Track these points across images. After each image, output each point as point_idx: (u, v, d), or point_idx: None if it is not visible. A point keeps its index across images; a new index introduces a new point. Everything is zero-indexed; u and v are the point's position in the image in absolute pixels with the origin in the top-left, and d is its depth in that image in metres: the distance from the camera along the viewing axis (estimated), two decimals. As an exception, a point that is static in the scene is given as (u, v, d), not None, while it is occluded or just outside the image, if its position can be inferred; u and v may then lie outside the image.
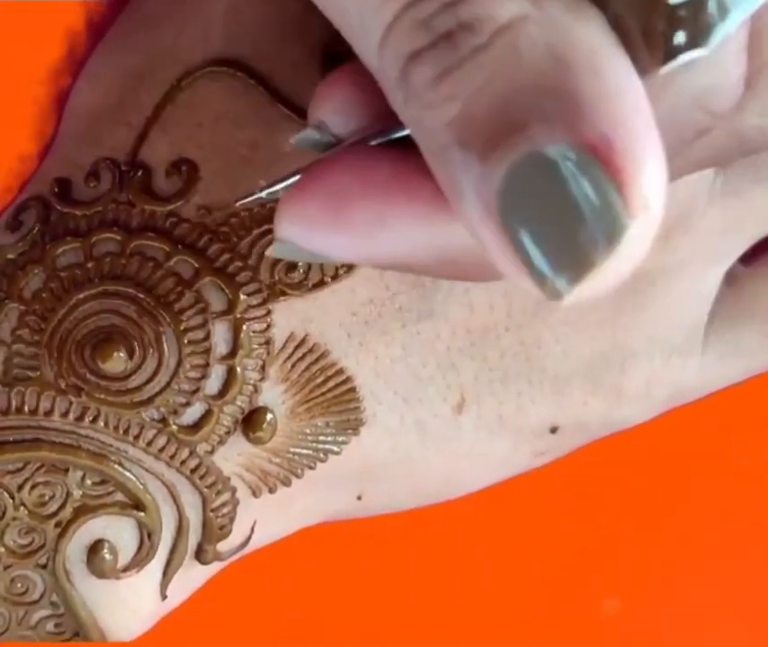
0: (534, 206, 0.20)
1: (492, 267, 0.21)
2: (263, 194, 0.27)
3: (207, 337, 0.30)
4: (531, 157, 0.20)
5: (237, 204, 0.28)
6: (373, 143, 0.24)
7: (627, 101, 0.20)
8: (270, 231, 0.30)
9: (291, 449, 0.31)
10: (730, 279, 0.33)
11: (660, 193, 0.20)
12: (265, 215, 0.30)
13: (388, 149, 0.24)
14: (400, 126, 0.24)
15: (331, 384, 0.31)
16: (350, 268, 0.30)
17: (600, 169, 0.20)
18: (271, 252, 0.26)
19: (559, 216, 0.20)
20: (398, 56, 0.22)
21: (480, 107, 0.21)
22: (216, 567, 0.33)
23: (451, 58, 0.21)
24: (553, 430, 0.33)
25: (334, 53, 0.30)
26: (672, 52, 0.21)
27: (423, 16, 0.21)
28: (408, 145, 0.23)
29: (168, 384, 0.30)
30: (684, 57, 0.21)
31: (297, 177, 0.25)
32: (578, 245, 0.20)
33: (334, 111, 0.25)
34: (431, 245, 0.24)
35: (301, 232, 0.24)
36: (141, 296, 0.30)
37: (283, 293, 0.30)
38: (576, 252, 0.20)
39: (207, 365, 0.30)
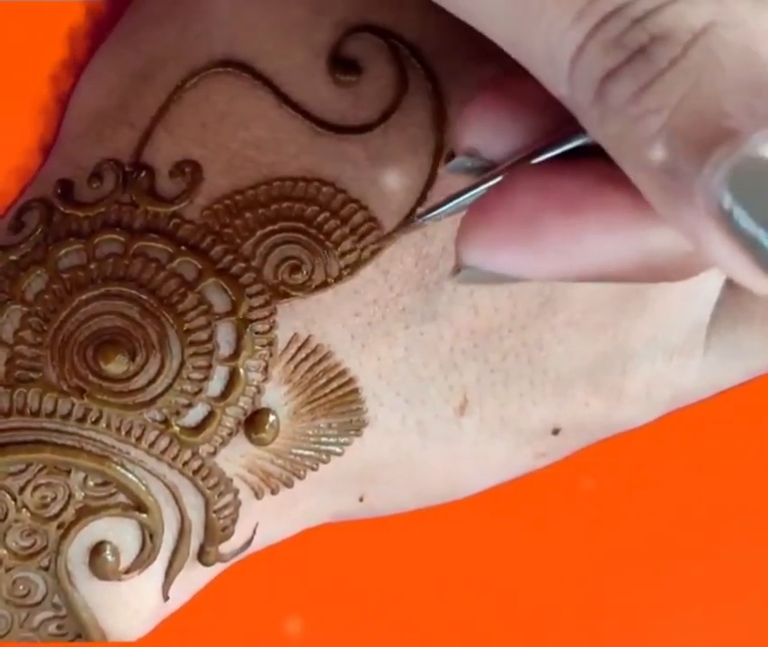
0: (756, 206, 0.21)
1: (696, 265, 0.22)
2: (420, 221, 0.27)
3: (210, 338, 0.30)
4: (748, 161, 0.20)
5: (396, 234, 0.29)
6: (539, 159, 0.25)
7: None
8: (273, 232, 0.30)
9: (294, 451, 0.31)
10: (731, 279, 0.33)
11: None
12: (269, 216, 0.30)
13: (568, 165, 0.24)
14: (562, 141, 0.24)
15: (334, 385, 0.31)
16: (353, 269, 0.30)
17: None
18: (456, 282, 0.25)
19: None
20: (592, 76, 0.22)
21: (688, 115, 0.21)
22: (218, 568, 0.33)
23: (650, 71, 0.21)
24: (555, 432, 0.33)
25: (341, 56, 0.30)
26: None
27: (614, 35, 0.22)
28: (579, 159, 0.23)
29: (171, 385, 0.30)
30: None
31: (455, 201, 0.26)
32: None
33: (486, 135, 0.25)
34: (629, 254, 0.24)
35: (489, 256, 0.24)
36: (144, 297, 0.30)
37: (287, 294, 0.30)
38: None
39: (209, 366, 0.30)
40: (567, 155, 0.24)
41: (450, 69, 0.30)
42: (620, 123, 0.22)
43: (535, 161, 0.25)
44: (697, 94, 0.21)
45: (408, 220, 0.28)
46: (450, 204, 0.26)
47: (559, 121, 0.24)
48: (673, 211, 0.22)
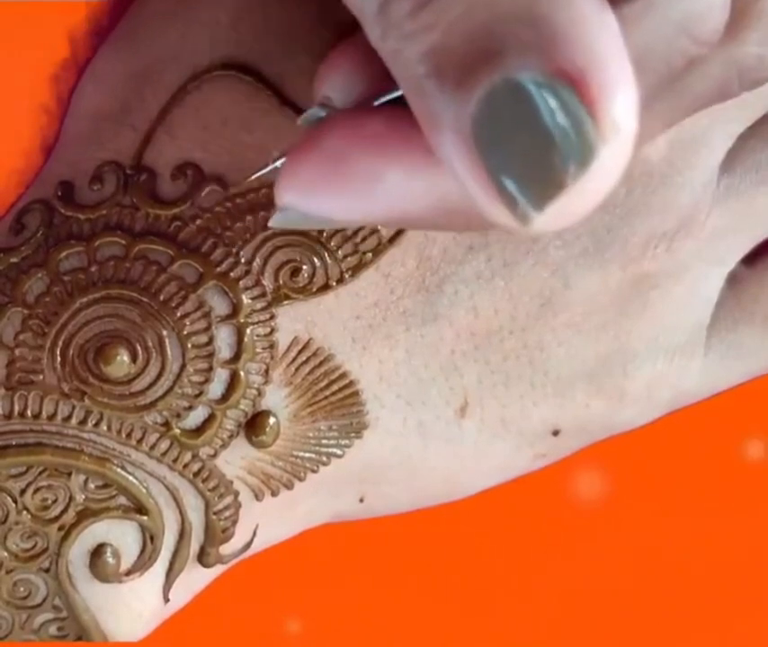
0: (507, 132, 0.21)
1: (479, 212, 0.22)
2: (278, 164, 0.27)
3: (210, 341, 0.30)
4: (505, 84, 0.20)
5: (252, 177, 0.28)
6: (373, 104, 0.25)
7: (598, 30, 0.21)
8: (274, 235, 0.30)
9: (294, 453, 0.31)
10: (732, 280, 0.33)
11: (631, 118, 0.21)
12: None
13: (382, 108, 0.24)
14: (393, 88, 0.24)
15: (334, 387, 0.31)
16: (355, 272, 0.30)
17: (572, 94, 0.20)
18: (272, 223, 0.26)
19: (531, 141, 0.21)
20: None
21: (458, 36, 0.21)
22: (218, 570, 0.33)
23: None
24: (555, 433, 0.33)
25: None
26: None
27: None
28: (404, 104, 0.23)
29: (171, 388, 0.30)
30: None
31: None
32: (549, 168, 0.21)
33: (336, 86, 0.25)
34: (428, 196, 0.24)
35: (300, 197, 0.24)
36: (145, 300, 0.30)
37: (287, 297, 0.30)
38: (545, 175, 0.21)
39: (210, 369, 0.30)
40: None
41: None
42: (398, 39, 0.22)
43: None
44: (469, 16, 0.21)
45: (263, 165, 0.27)
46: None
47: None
48: (434, 135, 0.22)
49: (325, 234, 0.30)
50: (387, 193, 0.24)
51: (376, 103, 0.25)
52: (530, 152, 0.21)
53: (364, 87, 0.25)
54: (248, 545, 0.32)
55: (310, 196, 0.24)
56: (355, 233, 0.30)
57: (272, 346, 0.30)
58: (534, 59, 0.20)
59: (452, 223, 0.25)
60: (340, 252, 0.30)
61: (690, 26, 0.23)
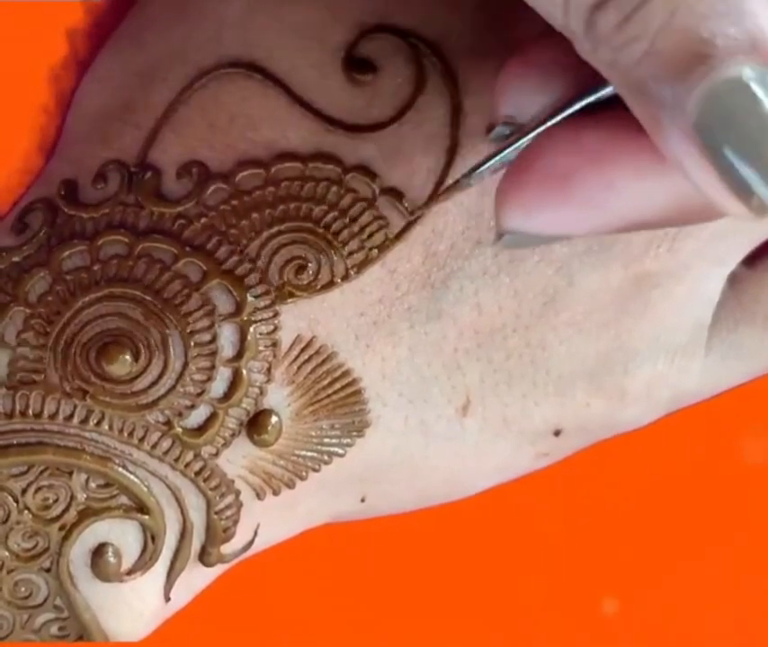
0: (732, 126, 0.22)
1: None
2: (462, 183, 0.28)
3: (213, 339, 0.30)
4: (723, 82, 0.22)
5: (440, 195, 0.29)
6: (565, 114, 0.25)
7: None
8: (280, 232, 0.30)
9: (296, 452, 0.31)
10: (733, 280, 0.33)
11: None
12: (277, 216, 0.30)
13: (589, 117, 0.25)
14: (584, 94, 0.25)
15: (337, 386, 0.31)
16: (360, 268, 0.30)
17: None
18: (500, 247, 0.26)
19: (758, 131, 0.22)
20: (583, 8, 0.23)
21: (666, 42, 0.22)
22: (219, 569, 0.33)
23: (633, 1, 0.22)
24: (557, 433, 0.33)
25: (356, 55, 0.30)
26: None
27: None
28: (608, 108, 0.24)
29: (173, 386, 0.30)
30: None
31: (490, 162, 0.26)
32: None
33: (515, 103, 0.26)
34: (661, 196, 0.24)
35: (529, 218, 0.25)
36: (148, 298, 0.30)
37: (291, 295, 0.30)
38: None
39: (212, 367, 0.30)
40: (595, 108, 0.25)
41: (470, 67, 0.30)
42: (610, 51, 0.23)
43: (562, 116, 0.25)
44: (676, 21, 0.22)
45: (454, 183, 0.28)
46: (491, 162, 0.27)
47: (584, 78, 0.25)
48: (660, 137, 0.23)
49: (332, 231, 0.30)
50: (620, 200, 0.24)
51: (566, 113, 0.25)
52: (758, 142, 0.22)
53: (545, 100, 0.26)
54: (249, 545, 0.32)
55: (538, 216, 0.25)
56: (362, 229, 0.30)
57: (274, 344, 0.30)
58: (745, 53, 0.21)
59: (688, 218, 0.25)
60: (346, 248, 0.30)
61: None
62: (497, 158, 0.27)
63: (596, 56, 0.23)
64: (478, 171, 0.27)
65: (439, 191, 0.29)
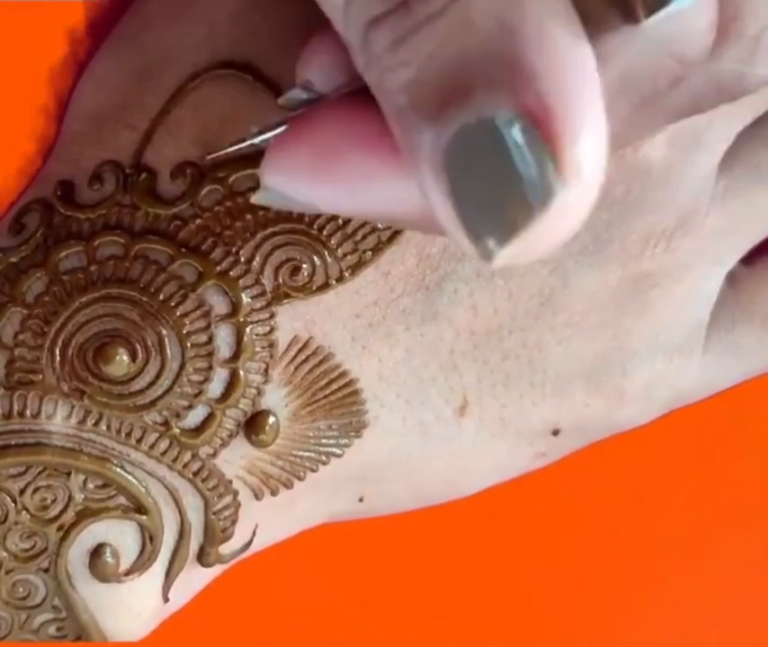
0: (476, 168, 0.21)
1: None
2: (257, 140, 0.26)
3: (210, 340, 0.30)
4: (475, 121, 0.21)
5: (230, 149, 0.28)
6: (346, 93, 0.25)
7: (570, 71, 0.21)
8: (274, 234, 0.30)
9: (294, 452, 0.31)
10: (731, 279, 0.33)
11: (596, 163, 0.21)
12: (271, 218, 0.30)
13: (372, 104, 0.24)
14: None
15: (334, 386, 0.31)
16: (354, 270, 0.30)
17: (537, 135, 0.21)
18: (255, 200, 0.26)
19: (497, 178, 0.21)
20: (360, 21, 0.22)
21: (431, 72, 0.21)
22: (218, 570, 0.33)
23: (407, 25, 0.22)
24: (554, 433, 0.33)
25: None
26: (654, 6, 0.22)
27: None
28: None
29: (171, 387, 0.30)
30: (669, 9, 0.22)
31: (282, 128, 0.26)
32: (510, 206, 0.21)
33: (319, 69, 0.25)
34: (411, 203, 0.24)
35: (287, 181, 0.25)
36: (144, 299, 0.30)
37: (287, 296, 0.30)
38: (506, 213, 0.21)
39: (210, 368, 0.30)
40: None
41: None
42: (379, 71, 0.22)
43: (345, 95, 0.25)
44: (442, 53, 0.21)
45: (241, 138, 0.27)
46: (282, 128, 0.26)
47: None
48: (413, 163, 0.22)
49: (325, 233, 0.30)
50: (376, 192, 0.24)
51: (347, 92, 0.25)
52: (496, 188, 0.21)
53: (348, 77, 0.25)
54: (248, 545, 0.32)
55: (298, 182, 0.25)
56: (355, 231, 0.30)
57: (271, 345, 0.30)
58: (502, 97, 0.21)
59: (431, 230, 0.25)
60: (340, 250, 0.30)
61: (677, 49, 0.23)
62: (285, 126, 0.26)
63: (367, 72, 0.23)
64: (269, 134, 0.26)
65: (228, 146, 0.28)
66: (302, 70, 0.26)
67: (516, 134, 0.21)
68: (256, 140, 0.26)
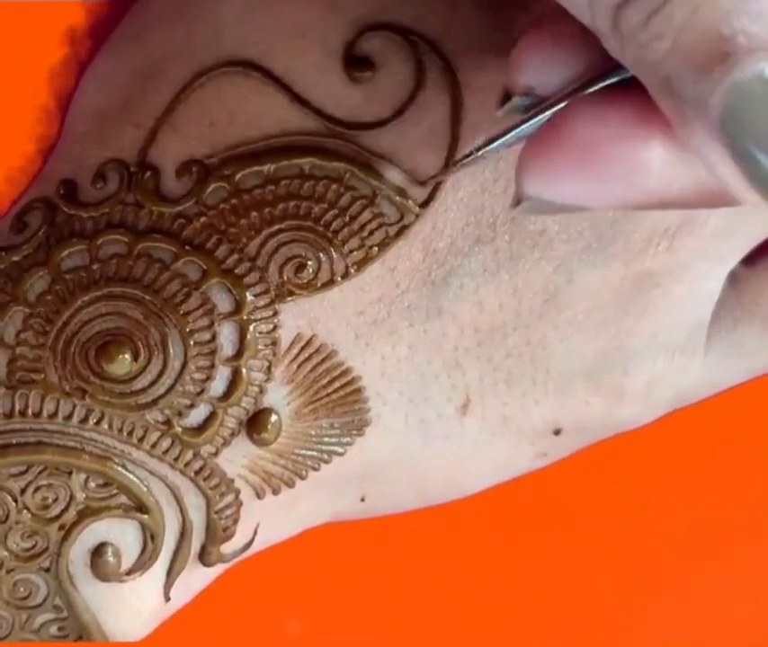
0: (752, 122, 0.22)
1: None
2: (480, 153, 0.27)
3: (213, 339, 0.30)
4: (742, 79, 0.22)
5: (453, 169, 0.29)
6: (590, 91, 0.25)
7: None
8: (280, 231, 0.30)
9: (296, 451, 0.31)
10: (732, 279, 0.33)
11: None
12: (276, 215, 0.30)
13: (617, 94, 0.25)
14: (609, 73, 0.25)
15: (336, 385, 0.31)
16: (360, 266, 0.30)
17: None
18: (517, 212, 0.26)
19: None
20: (608, 6, 0.23)
21: (689, 39, 0.22)
22: (219, 569, 0.33)
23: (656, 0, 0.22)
24: (556, 432, 0.33)
25: (356, 53, 0.30)
26: None
27: None
28: (630, 88, 0.24)
29: (173, 386, 0.30)
30: None
31: (513, 132, 0.26)
32: None
33: (537, 73, 0.26)
34: (685, 179, 0.24)
35: (550, 186, 0.25)
36: (147, 297, 0.30)
37: (291, 293, 0.30)
38: None
39: (212, 366, 0.30)
40: (616, 86, 0.25)
41: (470, 63, 0.30)
42: (635, 49, 0.23)
43: (588, 91, 0.25)
44: (698, 18, 0.22)
45: (468, 154, 0.28)
46: (511, 134, 0.26)
47: (606, 55, 0.25)
48: (684, 131, 0.23)
49: (332, 229, 0.30)
50: (643, 178, 0.24)
51: (592, 90, 0.25)
52: None
53: (571, 75, 0.26)
54: (249, 544, 0.32)
55: (561, 184, 0.25)
56: (362, 227, 0.30)
57: (274, 343, 0.30)
58: (766, 50, 0.21)
59: (706, 203, 0.25)
60: (346, 246, 0.30)
61: None
62: (517, 131, 0.26)
63: (623, 53, 0.23)
64: (495, 143, 0.27)
65: (454, 161, 0.29)
66: (519, 76, 0.26)
67: None
68: (487, 149, 0.27)
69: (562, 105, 0.25)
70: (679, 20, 0.22)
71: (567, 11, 0.24)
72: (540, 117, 0.26)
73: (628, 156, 0.24)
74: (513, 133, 0.26)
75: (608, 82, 0.25)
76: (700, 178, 0.24)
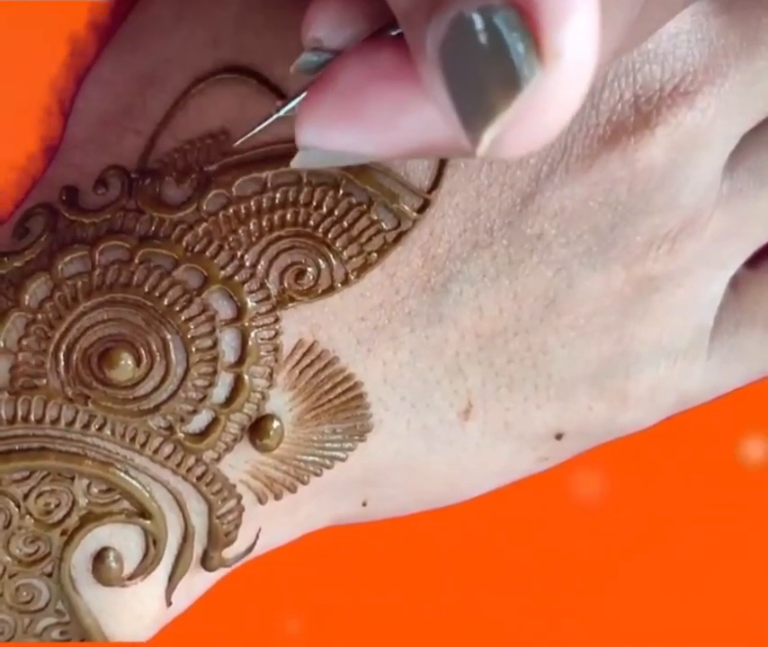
0: (468, 58, 0.21)
1: None
2: (281, 113, 0.27)
3: (214, 345, 0.30)
4: (466, 12, 0.21)
5: (257, 128, 0.28)
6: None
7: None
8: (279, 238, 0.30)
9: (298, 456, 0.31)
10: (734, 283, 0.33)
11: (579, 51, 0.21)
12: (275, 222, 0.30)
13: (390, 41, 0.24)
14: (392, 25, 0.24)
15: (338, 390, 0.31)
16: (360, 273, 0.30)
17: (519, 22, 0.20)
18: (294, 164, 0.26)
19: (485, 66, 0.21)
20: None
21: None
22: (220, 573, 0.33)
23: None
24: (558, 436, 0.33)
25: None
26: None
27: None
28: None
29: (175, 392, 0.30)
30: None
31: (301, 97, 0.25)
32: (491, 90, 0.21)
33: (327, 26, 0.25)
34: (439, 125, 0.23)
35: (320, 132, 0.24)
36: (149, 304, 0.30)
37: (292, 300, 0.30)
38: (488, 96, 0.21)
39: (214, 373, 0.30)
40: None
41: None
42: None
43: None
44: None
45: (267, 115, 0.27)
46: (301, 97, 0.26)
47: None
48: (419, 65, 0.22)
49: (330, 236, 0.30)
50: (408, 121, 0.24)
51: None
52: (483, 75, 0.21)
53: (357, 31, 0.25)
54: (251, 549, 0.32)
55: (331, 131, 0.24)
56: (360, 233, 0.30)
57: (276, 349, 0.30)
58: None
59: (464, 153, 0.24)
60: (345, 253, 0.30)
61: None
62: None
63: None
64: (293, 102, 0.26)
65: (256, 126, 0.28)
66: (309, 30, 0.26)
67: (501, 22, 0.21)
68: (281, 112, 0.27)
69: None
70: None
71: None
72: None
73: (388, 99, 0.23)
74: (302, 95, 0.25)
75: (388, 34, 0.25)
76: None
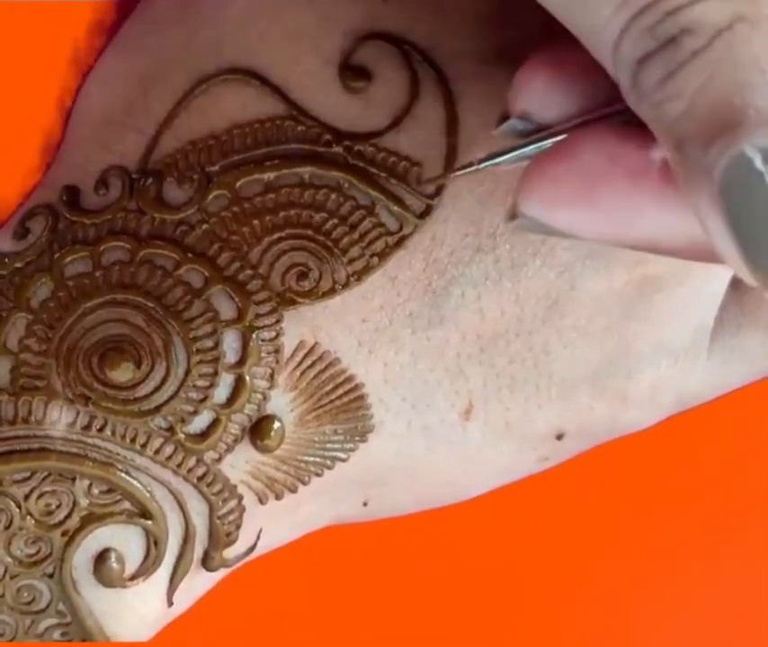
0: (751, 196, 0.22)
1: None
2: (481, 166, 0.27)
3: (216, 346, 0.30)
4: (748, 151, 0.22)
5: (453, 175, 0.29)
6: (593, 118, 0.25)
7: None
8: (281, 239, 0.30)
9: (299, 457, 0.31)
10: (735, 284, 0.33)
11: None
12: (277, 223, 0.30)
13: (628, 132, 0.25)
14: (611, 109, 0.25)
15: (340, 391, 0.31)
16: (361, 275, 0.30)
17: None
18: (510, 228, 0.26)
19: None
20: (629, 60, 0.23)
21: (702, 104, 0.22)
22: (221, 574, 0.33)
23: (675, 61, 0.23)
24: (559, 437, 0.33)
25: (351, 63, 0.30)
26: None
27: (649, 24, 0.23)
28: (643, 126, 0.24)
29: (176, 392, 0.30)
30: None
31: (514, 153, 0.26)
32: None
33: (537, 100, 0.26)
34: (679, 234, 0.25)
35: (548, 211, 0.25)
36: (150, 304, 0.30)
37: (294, 301, 0.30)
38: None
39: (215, 373, 0.30)
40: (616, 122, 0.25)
41: (462, 73, 0.30)
42: (652, 106, 0.23)
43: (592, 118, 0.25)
44: (713, 85, 0.22)
45: (468, 164, 0.28)
46: (512, 154, 0.26)
47: (610, 87, 0.25)
48: (689, 192, 0.23)
49: (332, 238, 0.30)
50: (641, 224, 0.24)
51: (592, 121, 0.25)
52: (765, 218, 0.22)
53: (566, 106, 0.26)
54: (252, 549, 0.32)
55: (557, 211, 0.25)
56: (362, 236, 0.30)
57: (277, 350, 0.30)
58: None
59: (695, 258, 0.25)
60: (346, 255, 0.30)
61: None
62: (518, 152, 0.26)
63: (639, 106, 0.24)
64: (495, 160, 0.27)
65: (453, 169, 0.29)
66: (518, 100, 0.26)
67: None
68: (487, 164, 0.27)
69: (564, 136, 0.25)
70: (696, 83, 0.22)
71: (577, 42, 0.25)
72: (543, 143, 0.26)
73: (631, 197, 0.24)
74: (513, 154, 0.26)
75: (612, 111, 0.25)
76: (695, 233, 0.24)
